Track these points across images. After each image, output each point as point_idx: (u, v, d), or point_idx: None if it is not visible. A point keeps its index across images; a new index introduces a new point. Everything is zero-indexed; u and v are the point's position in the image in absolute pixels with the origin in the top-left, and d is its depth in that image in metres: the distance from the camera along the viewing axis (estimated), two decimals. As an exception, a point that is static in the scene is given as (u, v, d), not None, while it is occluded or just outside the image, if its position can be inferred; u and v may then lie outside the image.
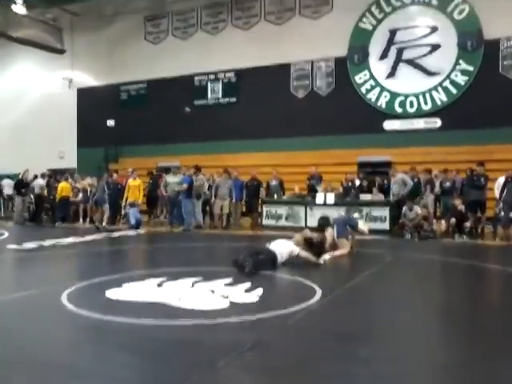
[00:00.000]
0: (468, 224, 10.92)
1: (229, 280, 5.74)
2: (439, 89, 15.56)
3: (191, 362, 3.27)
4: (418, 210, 11.27)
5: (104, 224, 13.66)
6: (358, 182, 13.53)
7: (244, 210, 14.35)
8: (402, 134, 15.73)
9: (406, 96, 15.96)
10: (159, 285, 5.53)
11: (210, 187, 14.07)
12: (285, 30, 17.65)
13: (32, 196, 15.49)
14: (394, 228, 11.59)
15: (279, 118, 17.20)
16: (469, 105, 14.84)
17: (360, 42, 16.57)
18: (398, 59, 16.14)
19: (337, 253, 7.87)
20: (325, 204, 12.35)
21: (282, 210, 13.05)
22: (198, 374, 3.04)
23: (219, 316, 4.30)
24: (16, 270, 7.74)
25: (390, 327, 4.25)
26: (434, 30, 15.70)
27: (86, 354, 3.53)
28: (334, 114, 16.45)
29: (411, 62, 15.96)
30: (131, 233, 12.36)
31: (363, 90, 16.53)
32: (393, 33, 16.22)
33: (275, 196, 13.67)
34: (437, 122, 15.53)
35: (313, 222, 11.92)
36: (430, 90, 15.66)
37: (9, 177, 18.12)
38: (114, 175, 14.85)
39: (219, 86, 18.80)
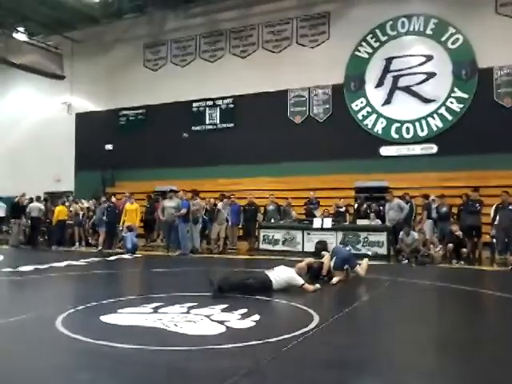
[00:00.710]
0: (465, 250, 10.92)
1: (225, 305, 5.69)
2: (435, 115, 15.75)
3: (186, 389, 3.22)
4: (415, 235, 11.27)
5: (100, 247, 13.62)
6: (349, 208, 13.65)
7: (241, 234, 14.35)
8: (398, 160, 15.85)
9: (403, 123, 16.13)
10: (155, 310, 5.48)
11: (206, 211, 14.10)
12: (282, 58, 17.93)
13: (27, 219, 15.44)
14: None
15: (276, 143, 17.32)
16: (464, 131, 15.01)
17: (356, 70, 16.83)
18: (394, 87, 16.37)
19: (334, 280, 7.83)
20: (322, 228, 12.35)
21: (279, 235, 13.04)
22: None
23: (215, 342, 4.25)
24: (10, 293, 7.66)
25: (388, 355, 4.20)
26: (429, 58, 15.97)
27: (79, 380, 3.46)
28: (331, 140, 16.60)
29: (407, 90, 16.18)
30: (127, 257, 12.30)
31: (360, 116, 16.71)
32: (388, 61, 16.49)
33: (272, 220, 13.68)
34: (433, 148, 15.67)
35: (310, 246, 11.95)
36: (425, 117, 15.85)
37: (1, 199, 18.08)
38: (113, 199, 14.85)
39: (217, 112, 18.99)
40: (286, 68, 17.58)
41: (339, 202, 14.13)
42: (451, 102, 15.58)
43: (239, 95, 18.41)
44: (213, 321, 4.99)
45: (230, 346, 4.14)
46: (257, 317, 5.19)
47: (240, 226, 14.26)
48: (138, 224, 13.95)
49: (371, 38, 16.76)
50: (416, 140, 15.93)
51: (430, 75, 15.90)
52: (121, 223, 13.67)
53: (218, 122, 18.90)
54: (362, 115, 16.70)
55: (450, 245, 11.05)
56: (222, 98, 18.82)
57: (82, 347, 4.15)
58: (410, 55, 16.21)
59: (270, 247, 13.04)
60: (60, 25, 21.07)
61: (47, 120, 22.10)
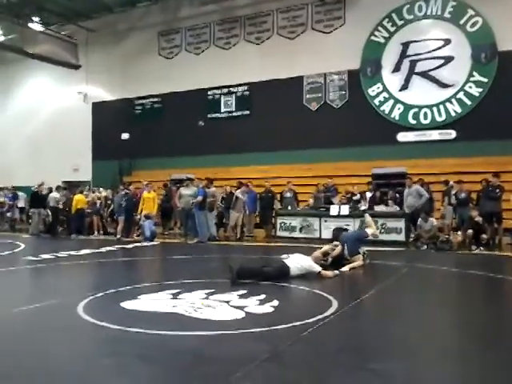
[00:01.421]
0: (485, 236, 10.79)
1: (243, 291, 5.72)
2: (453, 100, 15.51)
3: (208, 373, 3.25)
4: (433, 221, 11.17)
5: (119, 236, 13.76)
6: (369, 194, 13.53)
7: (258, 221, 14.37)
8: (416, 146, 15.67)
9: (420, 108, 15.92)
10: (174, 296, 5.52)
11: (223, 199, 14.14)
12: (297, 44, 17.77)
13: (48, 209, 15.63)
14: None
15: (292, 130, 17.24)
16: (483, 116, 14.76)
17: (373, 54, 16.61)
18: (411, 72, 16.14)
19: (354, 265, 7.83)
20: (339, 215, 12.30)
21: (296, 222, 13.02)
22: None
23: (234, 327, 4.28)
24: (32, 281, 7.80)
25: (406, 340, 4.19)
26: (447, 42, 15.69)
27: (101, 364, 3.53)
28: (348, 126, 16.48)
29: (424, 75, 15.94)
30: (146, 244, 12.41)
31: (376, 102, 16.53)
32: (405, 45, 16.24)
33: (289, 208, 13.67)
34: (451, 134, 15.46)
35: (327, 233, 11.92)
36: (443, 102, 15.62)
37: (21, 189, 18.45)
38: (131, 187, 14.94)
39: (232, 100, 18.94)
40: (301, 54, 17.43)
41: (353, 189, 13.97)
42: (470, 87, 15.31)
43: (254, 82, 18.32)
44: (232, 306, 5.02)
45: (249, 331, 4.17)
46: (275, 302, 5.21)
47: (256, 214, 14.26)
48: (155, 212, 14.04)
49: (387, 23, 16.51)
50: (434, 125, 15.73)
51: (448, 59, 15.63)
52: (139, 211, 13.76)
53: (234, 109, 18.86)
54: (379, 101, 16.51)
55: (470, 231, 10.91)
56: (238, 86, 18.77)
57: (104, 333, 4.21)
58: (428, 39, 15.95)
59: (286, 234, 13.03)
60: (74, 14, 21.16)
61: (64, 110, 22.28)
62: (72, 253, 10.16)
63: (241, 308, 4.93)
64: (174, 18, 20.27)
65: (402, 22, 16.31)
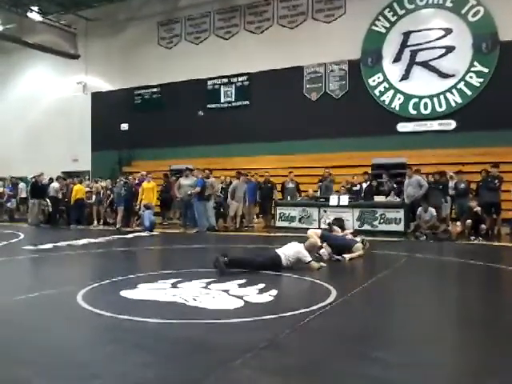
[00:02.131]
0: (484, 226, 10.80)
1: (243, 281, 5.73)
2: (454, 91, 15.45)
3: (207, 362, 3.25)
4: (433, 211, 11.18)
5: (118, 226, 13.78)
6: (364, 185, 13.52)
7: (257, 211, 14.38)
8: (416, 136, 15.64)
9: (420, 98, 15.87)
10: (174, 285, 5.53)
11: (223, 189, 14.15)
12: (297, 34, 17.67)
13: (47, 199, 15.64)
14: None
15: (292, 120, 17.19)
16: (484, 106, 14.71)
17: (373, 44, 16.52)
18: (412, 62, 16.06)
19: (354, 255, 7.84)
20: (338, 206, 12.30)
21: (296, 212, 13.03)
22: (215, 374, 3.03)
23: (234, 316, 4.29)
24: (31, 270, 7.81)
25: (405, 329, 4.21)
26: (448, 32, 15.60)
27: (101, 353, 3.54)
28: (348, 117, 16.43)
29: (425, 65, 15.87)
30: (145, 234, 12.43)
31: (377, 92, 16.47)
32: (406, 35, 16.15)
33: (288, 198, 13.67)
34: (451, 124, 15.42)
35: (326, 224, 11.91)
36: (444, 92, 15.56)
37: (21, 180, 18.47)
38: (130, 177, 14.94)
39: (232, 90, 18.87)
40: (301, 44, 17.33)
41: (353, 180, 13.95)
42: (471, 77, 15.25)
43: (254, 72, 18.25)
44: (231, 295, 5.03)
45: (248, 319, 4.18)
46: (274, 291, 5.22)
47: (256, 204, 14.27)
48: (154, 202, 14.06)
49: (388, 12, 16.41)
50: (434, 116, 15.68)
51: (449, 49, 15.55)
52: (138, 202, 13.77)
53: (233, 99, 18.79)
54: (379, 91, 16.45)
55: (469, 221, 10.93)
56: (237, 76, 18.68)
57: (104, 321, 4.22)
58: (429, 29, 15.85)
59: (286, 224, 13.05)
60: (73, 3, 21.02)
61: (63, 100, 22.20)
62: (71, 243, 10.17)
63: (240, 297, 4.94)
64: (173, 7, 20.13)
65: (403, 11, 16.21)
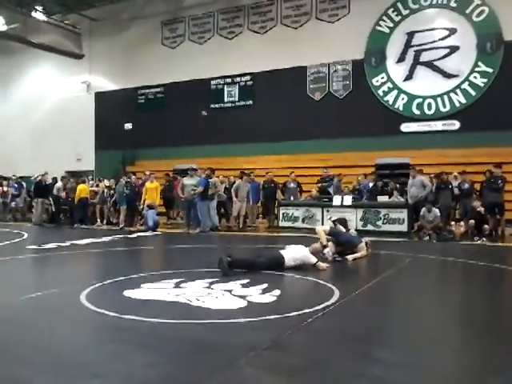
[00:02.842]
0: (487, 226, 10.77)
1: (246, 281, 5.73)
2: (458, 91, 15.42)
3: (211, 361, 3.26)
4: (436, 211, 11.16)
5: (122, 225, 13.81)
6: (371, 185, 13.50)
7: (260, 211, 14.38)
8: (420, 136, 15.62)
9: (424, 98, 15.84)
10: (177, 285, 5.54)
11: (226, 189, 14.15)
12: (301, 34, 17.67)
13: (51, 198, 15.67)
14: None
15: (295, 120, 17.19)
16: (488, 107, 14.67)
17: (377, 44, 16.51)
18: (416, 62, 16.04)
19: (357, 255, 7.84)
20: (342, 206, 12.29)
21: (299, 212, 13.02)
22: (219, 374, 3.03)
23: (237, 316, 4.29)
24: (35, 269, 7.83)
25: (408, 329, 4.20)
26: (452, 32, 15.57)
27: (104, 352, 3.54)
28: (351, 117, 16.41)
29: (429, 65, 15.84)
30: (148, 234, 12.44)
31: (380, 92, 16.45)
32: (410, 35, 16.13)
33: (291, 198, 13.66)
34: (455, 124, 15.39)
35: (330, 224, 11.90)
36: (448, 93, 15.53)
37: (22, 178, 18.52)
38: (133, 177, 14.96)
39: (236, 90, 18.87)
40: (305, 44, 17.33)
41: (364, 180, 13.94)
42: (475, 77, 15.21)
43: (258, 72, 18.25)
44: (234, 295, 5.03)
45: (251, 319, 4.17)
46: (277, 292, 5.22)
47: (259, 204, 14.27)
48: (158, 202, 14.08)
49: (392, 12, 16.39)
50: (438, 116, 15.66)
51: (453, 49, 15.52)
52: (141, 201, 13.80)
53: (237, 99, 18.80)
54: (383, 91, 16.43)
55: (472, 221, 10.90)
56: (241, 75, 18.69)
57: (107, 321, 4.23)
58: (433, 29, 15.83)
59: (289, 224, 13.04)
60: (77, 3, 21.08)
61: (67, 99, 22.25)
62: (75, 242, 10.18)
63: (243, 297, 4.93)
64: (177, 7, 20.16)
65: (407, 11, 16.18)
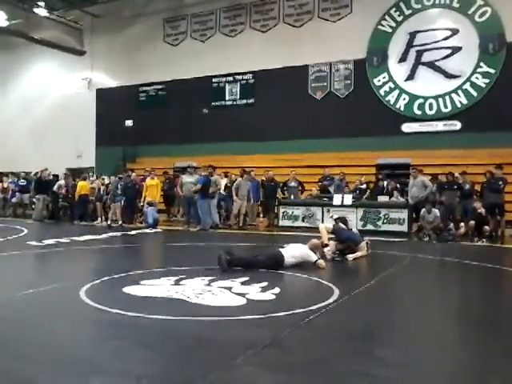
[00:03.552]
0: (488, 227, 10.76)
1: (245, 279, 5.73)
2: (459, 91, 15.39)
3: (209, 359, 3.26)
4: (436, 212, 11.15)
5: (109, 222, 13.80)
6: (372, 185, 13.52)
7: (260, 210, 14.36)
8: (421, 137, 15.59)
9: (426, 98, 15.81)
10: (176, 282, 5.54)
11: (226, 187, 14.15)
12: (303, 33, 17.62)
13: (51, 194, 15.65)
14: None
15: (297, 119, 17.16)
16: (489, 108, 14.64)
17: (379, 44, 16.46)
18: (418, 62, 16.00)
19: (358, 254, 7.84)
20: (342, 205, 12.29)
21: (299, 211, 13.01)
22: (217, 371, 3.04)
23: (236, 313, 4.30)
24: (35, 265, 7.84)
25: (408, 328, 4.20)
26: (454, 32, 15.53)
27: (104, 349, 3.55)
28: (353, 116, 16.38)
29: (431, 65, 15.80)
30: (148, 231, 12.44)
31: (382, 92, 16.42)
32: (412, 35, 16.09)
33: (292, 197, 13.65)
34: (456, 125, 15.36)
35: (330, 223, 11.90)
36: (449, 93, 15.49)
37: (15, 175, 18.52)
38: (133, 174, 14.93)
39: (237, 88, 18.85)
40: (307, 43, 17.29)
41: (361, 180, 14.00)
42: (477, 78, 15.18)
43: (259, 70, 18.20)
44: (234, 293, 5.03)
45: (250, 317, 4.18)
46: (277, 290, 5.22)
47: (259, 203, 14.26)
48: (158, 199, 14.08)
49: (395, 12, 16.35)
50: (439, 116, 15.62)
51: (456, 50, 15.48)
52: (142, 199, 13.80)
53: (238, 97, 18.77)
54: (384, 91, 16.40)
55: (472, 222, 10.89)
56: (242, 74, 18.65)
57: (107, 317, 4.23)
58: (435, 29, 15.77)
59: (289, 223, 13.04)
60: (79, -1, 21.02)
61: (69, 96, 22.21)
62: (75, 238, 10.19)
63: (242, 295, 4.94)
64: (179, 4, 20.12)
65: (409, 11, 16.15)
